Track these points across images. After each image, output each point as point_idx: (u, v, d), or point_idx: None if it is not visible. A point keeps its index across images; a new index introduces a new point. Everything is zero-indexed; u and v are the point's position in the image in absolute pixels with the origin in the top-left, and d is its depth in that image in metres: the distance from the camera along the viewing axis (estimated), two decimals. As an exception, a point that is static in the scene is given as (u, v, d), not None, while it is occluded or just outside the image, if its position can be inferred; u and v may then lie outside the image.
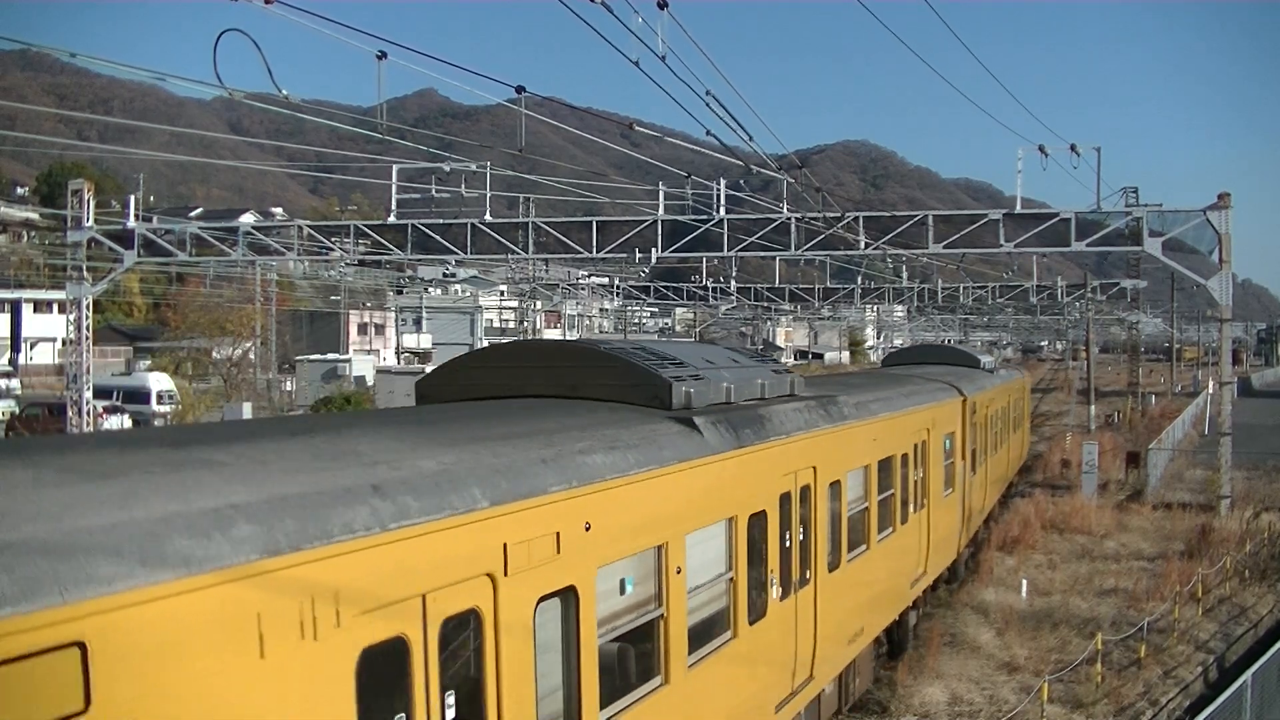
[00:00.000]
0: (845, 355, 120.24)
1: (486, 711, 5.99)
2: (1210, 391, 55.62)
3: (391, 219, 35.88)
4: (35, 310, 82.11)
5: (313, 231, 39.12)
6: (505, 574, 6.13)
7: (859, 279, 60.83)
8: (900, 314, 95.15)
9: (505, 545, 6.13)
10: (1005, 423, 28.79)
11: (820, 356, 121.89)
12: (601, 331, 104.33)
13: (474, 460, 6.32)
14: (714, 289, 62.31)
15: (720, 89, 13.86)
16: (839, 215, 33.24)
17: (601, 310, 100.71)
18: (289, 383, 68.76)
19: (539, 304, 63.76)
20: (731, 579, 9.37)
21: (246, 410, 43.55)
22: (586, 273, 68.42)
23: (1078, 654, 16.46)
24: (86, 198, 36.95)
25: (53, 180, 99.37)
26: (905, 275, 58.91)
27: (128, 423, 47.59)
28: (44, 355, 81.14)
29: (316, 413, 43.47)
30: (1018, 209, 31.35)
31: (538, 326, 66.69)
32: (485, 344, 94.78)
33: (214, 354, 67.91)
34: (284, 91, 15.59)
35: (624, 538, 7.54)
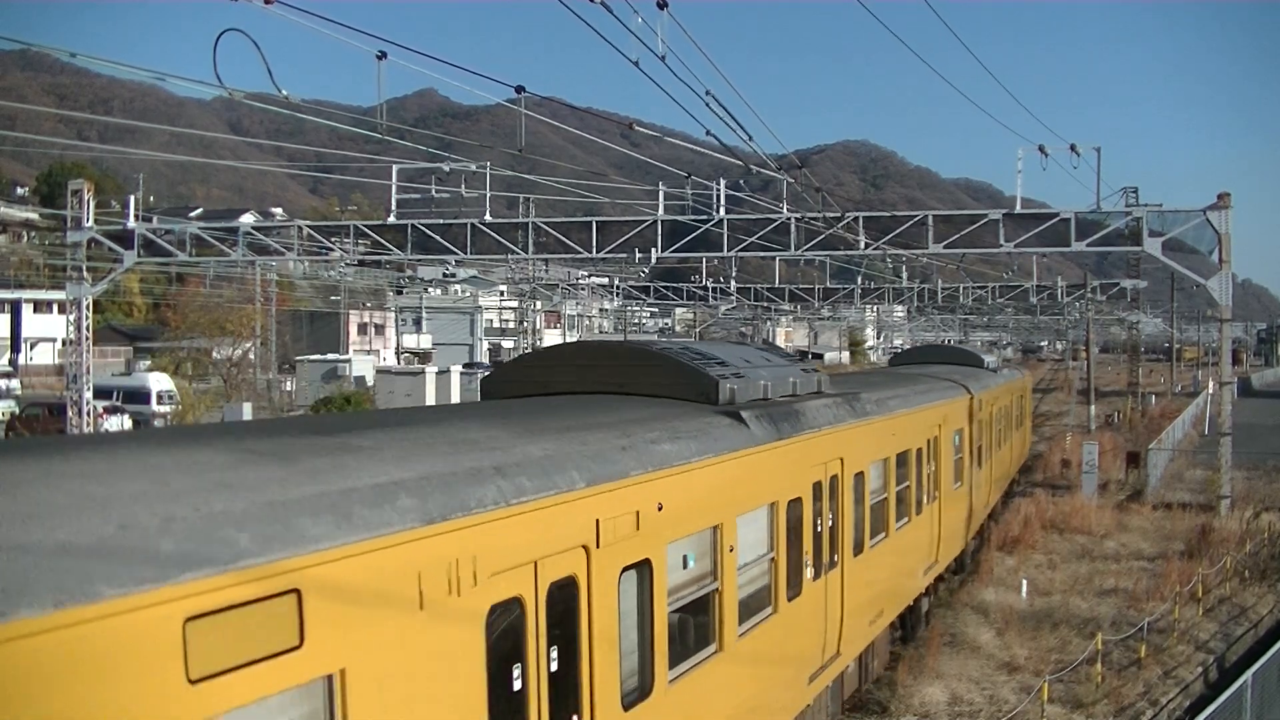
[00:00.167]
0: (845, 355, 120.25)
1: (580, 666, 6.88)
2: (1210, 391, 55.64)
3: (391, 219, 35.87)
4: (35, 310, 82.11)
5: (313, 231, 39.12)
6: (597, 546, 7.02)
7: (859, 279, 60.80)
8: (900, 314, 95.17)
9: (598, 521, 7.03)
10: (1009, 420, 29.37)
11: (820, 357, 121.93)
12: (601, 332, 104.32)
13: (569, 447, 7.19)
14: (714, 289, 62.28)
15: (720, 89, 13.87)
16: (839, 215, 33.23)
17: (601, 310, 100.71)
18: (289, 383, 68.77)
19: (539, 304, 63.74)
20: (773, 559, 10.30)
21: (246, 411, 43.53)
22: (586, 273, 68.41)
23: (1078, 654, 16.46)
24: (86, 198, 36.95)
25: (53, 180, 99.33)
26: (905, 275, 58.88)
27: (128, 423, 47.57)
28: (44, 355, 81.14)
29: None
30: (1018, 209, 31.35)
31: (538, 327, 66.66)
32: (485, 344, 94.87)
33: (214, 354, 67.88)
34: (284, 91, 15.60)
35: (688, 518, 8.42)
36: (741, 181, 30.75)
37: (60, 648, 3.67)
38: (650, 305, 74.60)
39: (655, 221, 33.98)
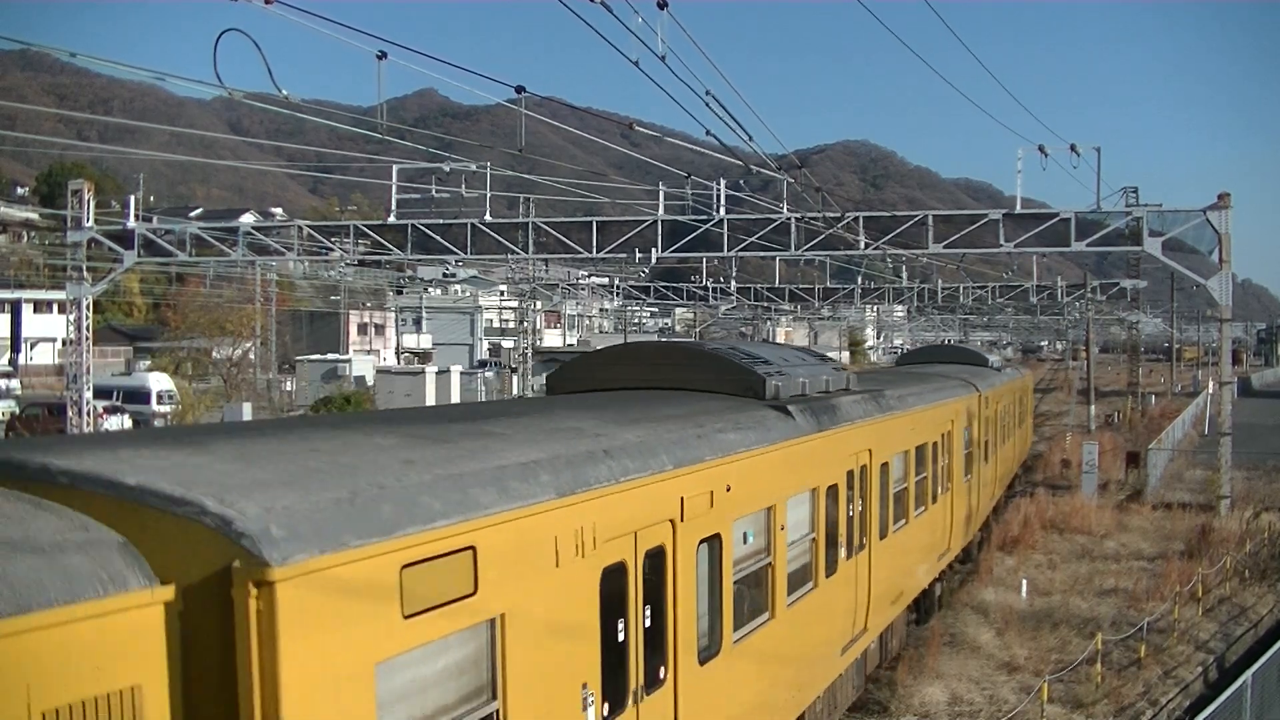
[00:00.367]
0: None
1: (667, 624, 7.97)
2: (1210, 391, 55.62)
3: (391, 219, 35.85)
4: (35, 310, 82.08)
5: (313, 231, 39.10)
6: (681, 520, 8.07)
7: (859, 279, 60.78)
8: (900, 314, 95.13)
9: (682, 499, 8.07)
10: (1012, 418, 30.18)
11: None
12: (601, 332, 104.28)
13: (657, 434, 8.26)
14: (714, 289, 62.24)
15: (720, 89, 13.87)
16: (839, 215, 33.23)
17: (601, 310, 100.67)
18: (289, 383, 68.75)
19: (539, 304, 63.72)
20: (814, 539, 11.42)
21: (246, 411, 43.52)
22: (586, 273, 68.38)
23: (1078, 654, 16.46)
24: (86, 198, 36.93)
25: (53, 180, 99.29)
26: (905, 275, 58.87)
27: (128, 423, 47.56)
28: (44, 355, 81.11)
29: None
30: (1018, 209, 31.34)
31: (538, 327, 66.66)
32: (485, 344, 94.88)
33: (214, 354, 67.85)
34: (284, 91, 15.59)
35: (748, 499, 9.51)
36: (741, 181, 30.75)
37: (324, 584, 4.63)
38: (650, 305, 74.57)
39: (655, 221, 33.97)
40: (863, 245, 33.20)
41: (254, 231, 39.75)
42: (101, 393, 47.45)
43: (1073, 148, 28.96)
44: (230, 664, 4.34)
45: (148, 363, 71.00)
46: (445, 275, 72.34)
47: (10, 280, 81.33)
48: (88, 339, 37.63)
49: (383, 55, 14.77)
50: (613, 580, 7.14)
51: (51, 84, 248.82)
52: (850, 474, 12.58)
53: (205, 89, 14.83)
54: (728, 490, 8.82)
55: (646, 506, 7.58)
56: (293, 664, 4.42)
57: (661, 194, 33.99)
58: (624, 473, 7.28)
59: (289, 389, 67.04)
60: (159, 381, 57.29)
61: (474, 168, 32.03)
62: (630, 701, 7.45)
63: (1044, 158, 28.60)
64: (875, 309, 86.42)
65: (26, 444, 5.83)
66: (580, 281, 69.15)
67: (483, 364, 75.00)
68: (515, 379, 57.44)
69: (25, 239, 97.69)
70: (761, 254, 36.15)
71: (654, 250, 34.58)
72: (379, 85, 17.26)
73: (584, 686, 6.79)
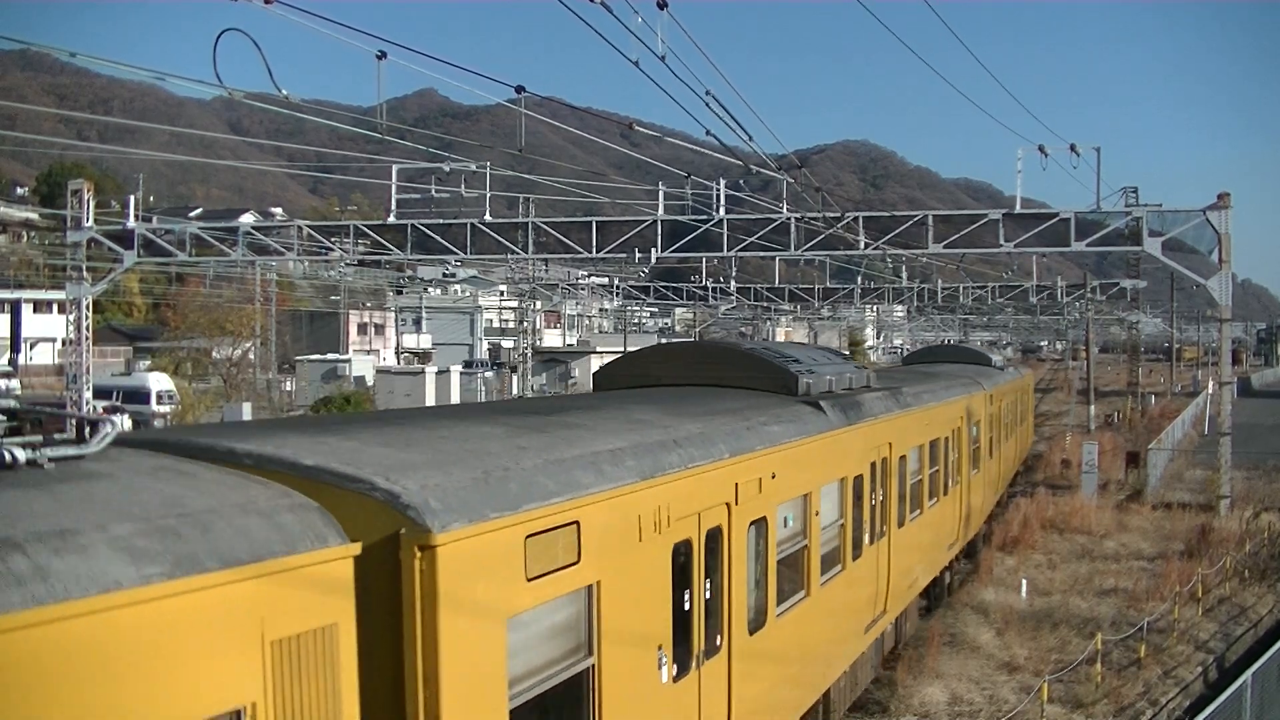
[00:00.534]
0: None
1: (723, 597, 8.76)
2: (1210, 391, 55.61)
3: (391, 219, 35.83)
4: (35, 310, 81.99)
5: (313, 231, 39.09)
6: (735, 503, 8.91)
7: (859, 279, 60.76)
8: (900, 314, 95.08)
9: (736, 484, 8.92)
10: (1014, 415, 31.01)
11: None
12: (601, 332, 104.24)
13: (713, 426, 9.16)
14: (714, 289, 62.20)
15: (720, 89, 13.85)
16: (839, 215, 33.22)
17: (601, 310, 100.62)
18: (289, 383, 68.75)
19: (539, 304, 63.70)
20: (842, 525, 12.31)
21: (246, 411, 43.53)
22: (586, 273, 68.35)
23: (1078, 654, 16.46)
24: (86, 198, 36.91)
25: (53, 180, 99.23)
26: (905, 275, 58.83)
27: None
28: (44, 355, 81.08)
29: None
30: (1018, 209, 31.33)
31: (538, 327, 66.62)
32: (485, 344, 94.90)
33: (214, 354, 67.83)
34: (284, 91, 15.57)
35: (789, 486, 10.34)
36: (741, 181, 30.73)
37: (470, 549, 5.47)
38: (650, 305, 74.54)
39: (655, 221, 33.96)
40: (863, 245, 33.19)
41: (254, 231, 39.74)
42: (101, 393, 47.45)
43: (1073, 148, 28.96)
44: (397, 612, 5.12)
45: (148, 363, 70.92)
46: (445, 275, 72.31)
47: (10, 280, 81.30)
48: (87, 339, 37.62)
49: (383, 55, 14.77)
50: (681, 556, 7.99)
51: (51, 84, 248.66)
52: (873, 465, 13.46)
53: (205, 89, 14.83)
54: (773, 478, 9.68)
55: (708, 490, 8.43)
56: (447, 614, 5.24)
57: (661, 194, 33.97)
58: (690, 460, 8.17)
59: (289, 389, 67.04)
60: (159, 381, 57.27)
61: (474, 168, 32.01)
62: (694, 665, 8.27)
63: (1044, 158, 28.60)
64: (875, 309, 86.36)
65: (202, 430, 6.99)
66: (580, 281, 69.14)
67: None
68: (515, 379, 57.44)
69: (25, 239, 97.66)
70: (761, 254, 36.13)
71: (654, 250, 34.56)
72: (379, 85, 17.26)
73: (659, 649, 7.68)
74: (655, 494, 7.47)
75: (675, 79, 12.81)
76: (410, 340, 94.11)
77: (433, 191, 34.49)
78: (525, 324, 57.81)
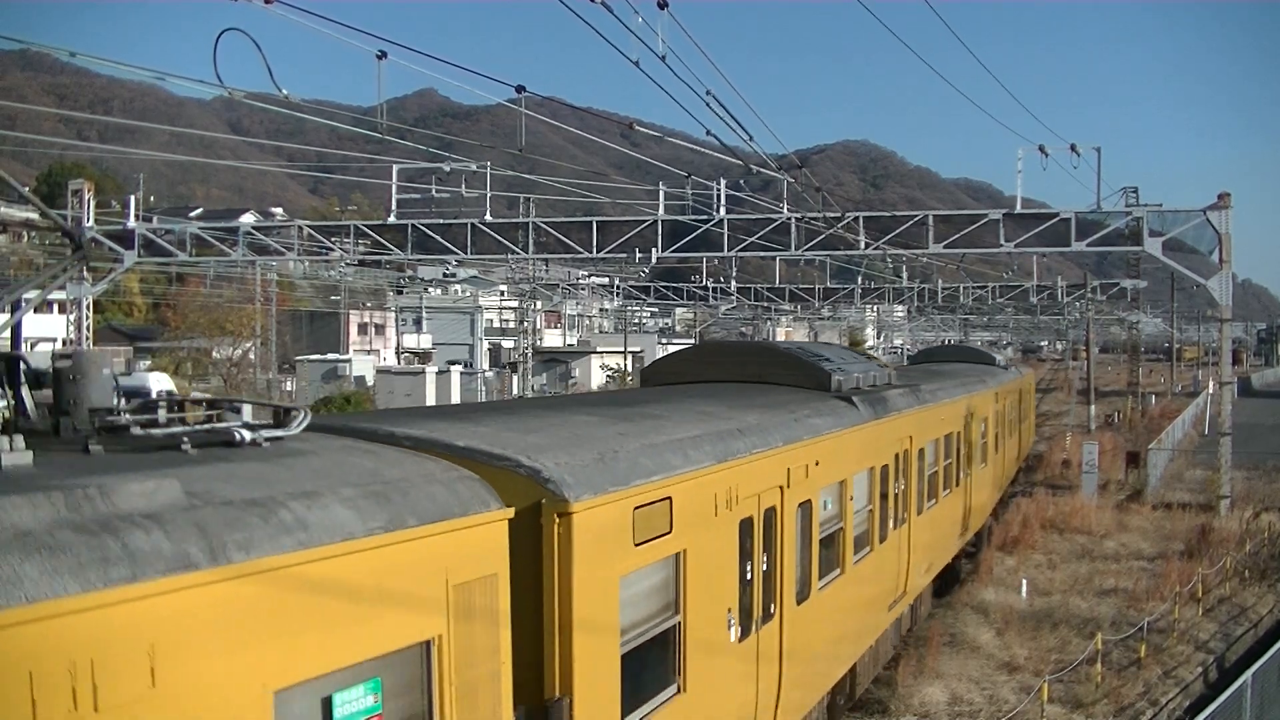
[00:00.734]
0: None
1: (776, 568, 9.80)
2: (1210, 391, 55.60)
3: (391, 219, 35.82)
4: (35, 310, 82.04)
5: (313, 231, 39.09)
6: (787, 486, 9.98)
7: (859, 279, 60.74)
8: (900, 314, 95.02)
9: (788, 469, 9.99)
10: (1018, 413, 31.87)
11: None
12: (601, 332, 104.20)
13: (768, 418, 10.23)
14: (714, 289, 62.20)
15: (720, 89, 13.85)
16: (839, 215, 33.21)
17: (601, 310, 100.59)
18: (289, 383, 68.73)
19: (539, 304, 63.69)
20: (871, 510, 13.41)
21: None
22: (586, 273, 68.34)
23: (1078, 654, 16.46)
24: (86, 198, 36.93)
25: (53, 180, 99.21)
26: (905, 275, 58.81)
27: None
28: (43, 355, 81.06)
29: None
30: (1018, 209, 31.32)
31: (538, 327, 66.59)
32: (485, 344, 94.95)
33: (214, 354, 67.81)
34: (284, 91, 15.58)
35: (829, 472, 11.41)
36: (741, 181, 30.71)
37: (595, 517, 6.55)
38: (650, 305, 74.51)
39: (655, 221, 33.96)
40: (863, 245, 33.19)
41: (254, 231, 39.74)
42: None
43: (1073, 148, 28.95)
44: (537, 567, 6.24)
45: (148, 363, 70.91)
46: (445, 275, 72.25)
47: (10, 280, 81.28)
48: (88, 339, 37.63)
49: (383, 55, 14.78)
50: (745, 531, 9.05)
51: (51, 84, 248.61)
52: (896, 457, 14.57)
53: (205, 89, 14.84)
54: (816, 464, 10.73)
55: (766, 474, 9.48)
56: (580, 571, 6.32)
57: (661, 194, 33.97)
58: (753, 447, 9.24)
59: (289, 389, 67.02)
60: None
61: (474, 168, 32.00)
62: (753, 629, 9.32)
63: (1044, 158, 28.60)
64: (875, 309, 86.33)
65: (359, 417, 8.28)
66: (580, 281, 69.12)
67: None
68: (515, 379, 57.41)
69: (25, 239, 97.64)
70: (761, 254, 36.14)
71: (654, 250, 34.57)
72: (379, 85, 17.28)
73: (729, 611, 8.75)
74: (726, 475, 8.52)
75: (675, 79, 12.81)
76: (410, 340, 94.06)
77: (433, 191, 34.48)
78: (525, 324, 57.80)
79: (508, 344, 75.80)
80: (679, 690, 7.88)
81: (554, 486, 6.32)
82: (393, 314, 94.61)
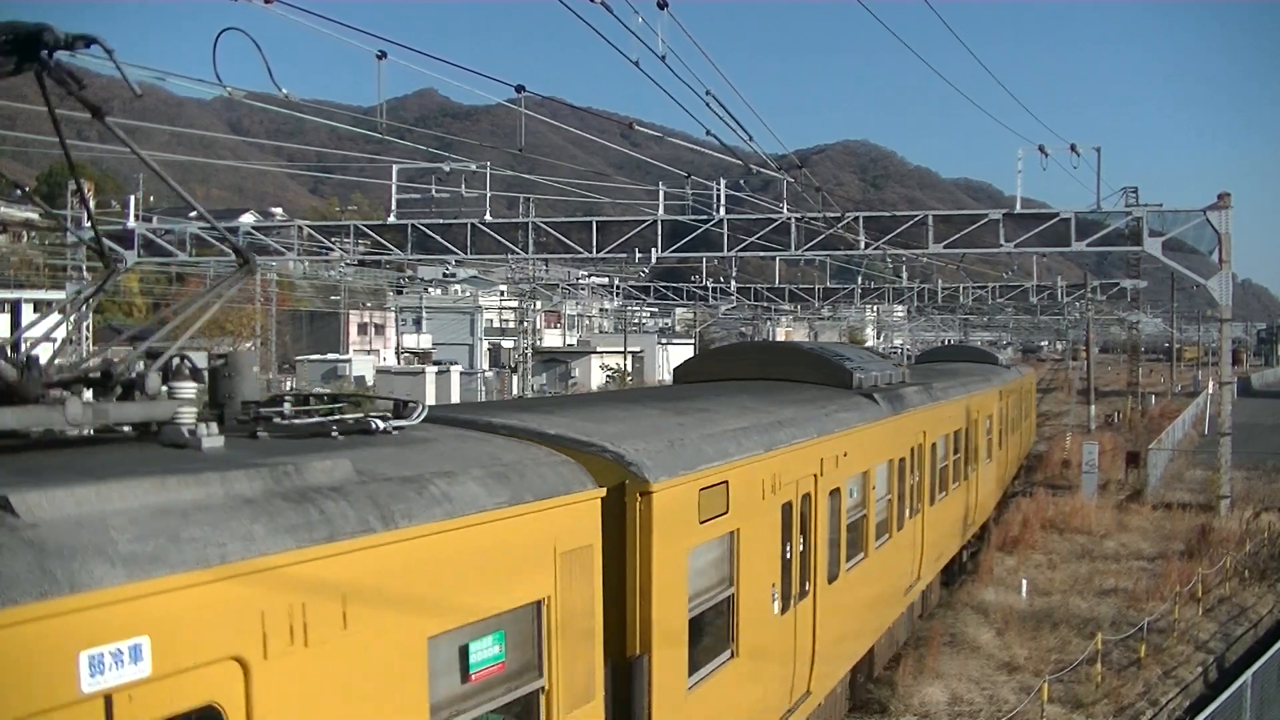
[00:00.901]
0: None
1: (810, 550, 10.62)
2: (1210, 391, 55.60)
3: (391, 219, 35.81)
4: (35, 310, 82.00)
5: (313, 231, 39.07)
6: (820, 475, 10.84)
7: (859, 279, 60.73)
8: (900, 314, 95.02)
9: (821, 459, 10.85)
10: (1020, 412, 32.80)
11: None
12: (601, 332, 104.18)
13: (803, 412, 11.16)
14: (714, 289, 62.19)
15: (720, 89, 13.84)
16: (839, 215, 33.20)
17: (601, 310, 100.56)
18: (289, 383, 68.72)
19: (539, 304, 63.68)
20: (889, 500, 14.29)
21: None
22: (586, 273, 68.33)
23: (1078, 654, 16.45)
24: (86, 198, 36.87)
25: (53, 180, 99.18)
26: (905, 275, 58.80)
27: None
28: (44, 356, 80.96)
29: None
30: (1018, 209, 31.31)
31: (538, 327, 66.58)
32: (485, 344, 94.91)
33: (214, 354, 67.78)
34: (284, 91, 15.57)
35: (854, 463, 12.20)
36: (741, 181, 30.69)
37: (671, 497, 7.43)
38: (650, 305, 74.50)
39: (655, 221, 33.94)
40: (863, 245, 33.17)
41: (254, 231, 39.77)
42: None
43: (1073, 148, 28.94)
44: (621, 540, 7.05)
45: (148, 363, 70.79)
46: (445, 275, 72.24)
47: (10, 280, 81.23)
48: (88, 339, 37.63)
49: (383, 55, 14.79)
50: (785, 514, 9.88)
51: (51, 84, 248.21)
52: (912, 450, 15.37)
53: (205, 89, 14.83)
54: (845, 455, 11.56)
55: (803, 463, 10.31)
56: (659, 544, 7.23)
57: (661, 194, 33.96)
58: (792, 438, 10.11)
59: (289, 389, 66.99)
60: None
61: (474, 168, 31.99)
62: (791, 604, 10.13)
63: (1044, 158, 28.57)
64: (875, 309, 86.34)
65: (455, 409, 9.42)
66: (580, 281, 69.11)
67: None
68: (515, 379, 57.40)
69: (25, 239, 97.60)
70: (761, 254, 36.11)
71: (654, 250, 34.55)
72: (379, 85, 17.29)
73: (773, 586, 9.61)
74: (771, 463, 9.41)
75: (675, 79, 12.81)
76: (410, 340, 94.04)
77: (433, 191, 34.48)
78: (525, 324, 57.79)
79: (508, 344, 75.75)
80: (733, 655, 8.76)
81: (636, 469, 7.17)
82: (393, 314, 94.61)
